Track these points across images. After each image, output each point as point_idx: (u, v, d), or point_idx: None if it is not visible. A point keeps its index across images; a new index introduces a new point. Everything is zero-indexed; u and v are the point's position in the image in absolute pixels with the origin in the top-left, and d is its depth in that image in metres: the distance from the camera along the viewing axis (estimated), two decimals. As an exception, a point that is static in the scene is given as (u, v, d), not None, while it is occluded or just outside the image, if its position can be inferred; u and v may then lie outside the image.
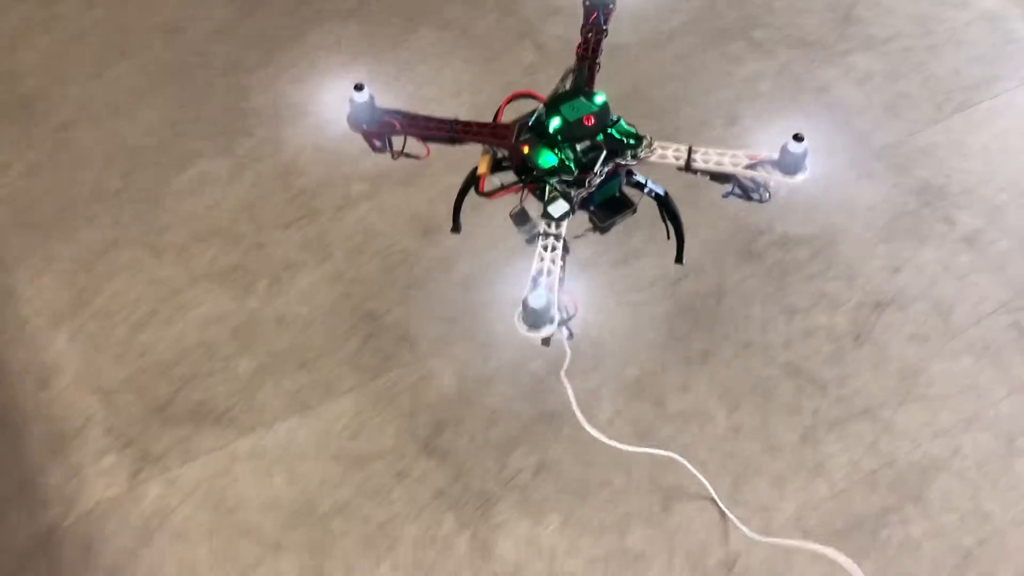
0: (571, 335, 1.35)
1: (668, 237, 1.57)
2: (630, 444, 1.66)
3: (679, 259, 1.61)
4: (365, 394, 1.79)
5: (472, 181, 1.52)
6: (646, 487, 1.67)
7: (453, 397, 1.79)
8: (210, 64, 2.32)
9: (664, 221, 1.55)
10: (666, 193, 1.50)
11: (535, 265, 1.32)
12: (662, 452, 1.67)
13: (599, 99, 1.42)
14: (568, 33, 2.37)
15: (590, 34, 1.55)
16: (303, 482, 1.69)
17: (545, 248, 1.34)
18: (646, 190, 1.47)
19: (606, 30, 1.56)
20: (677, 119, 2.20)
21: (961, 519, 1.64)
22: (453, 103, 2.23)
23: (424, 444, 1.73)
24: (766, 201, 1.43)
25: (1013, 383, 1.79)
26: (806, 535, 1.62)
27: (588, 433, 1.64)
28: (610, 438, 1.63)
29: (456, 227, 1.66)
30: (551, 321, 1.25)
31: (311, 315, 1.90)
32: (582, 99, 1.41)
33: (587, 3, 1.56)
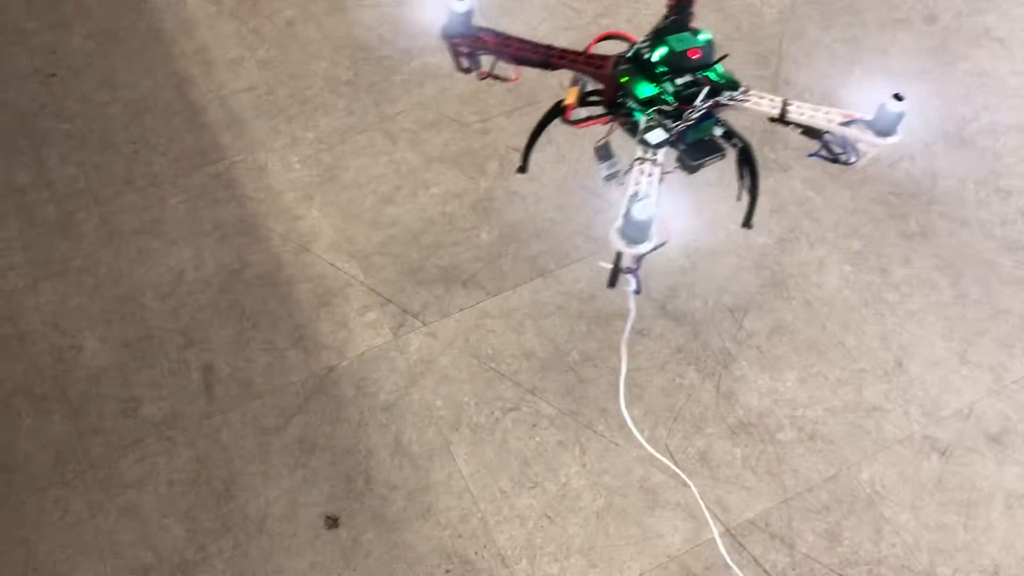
0: (638, 290, 1.38)
1: (739, 198, 1.50)
2: (861, 307, 1.77)
3: (748, 222, 1.54)
4: (597, 261, 1.92)
5: (552, 115, 1.50)
6: (878, 346, 1.78)
7: (685, 266, 1.90)
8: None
9: (741, 178, 1.49)
10: (749, 144, 1.45)
11: (631, 188, 1.31)
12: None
13: (704, 35, 1.41)
14: None
15: None
16: (551, 335, 1.83)
17: (642, 172, 1.33)
18: (733, 139, 1.43)
19: None
20: (868, 15, 2.27)
21: None
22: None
23: (661, 307, 1.85)
24: (852, 164, 1.40)
25: None
26: (1037, 391, 1.71)
27: (819, 300, 1.74)
28: (840, 303, 1.73)
29: (524, 167, 1.62)
30: (648, 239, 1.26)
31: (542, 192, 2.03)
32: (688, 34, 1.40)
33: None
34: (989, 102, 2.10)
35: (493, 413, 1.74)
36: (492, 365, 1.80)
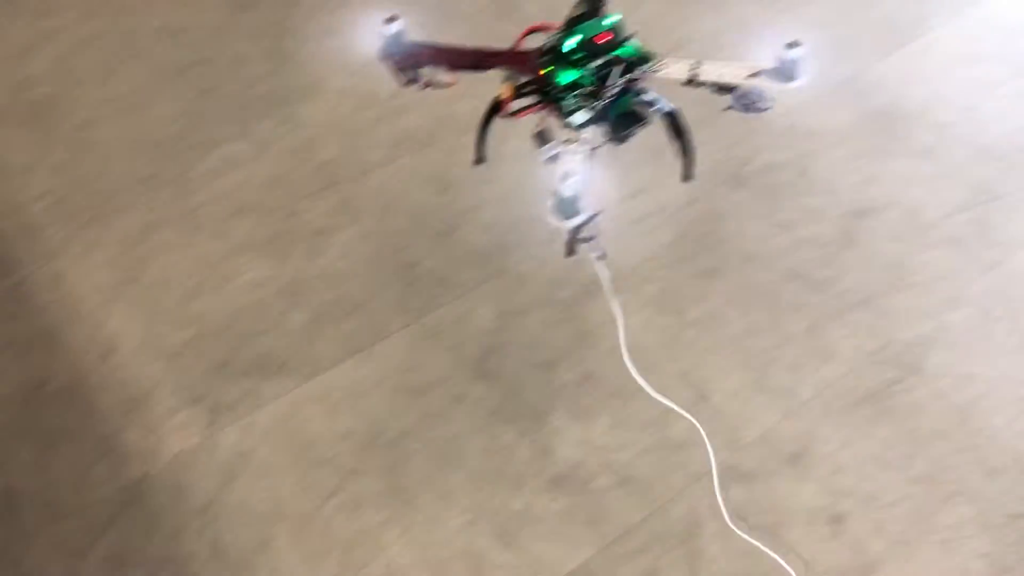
0: (604, 255, 1.53)
1: (677, 155, 1.65)
2: (658, 347, 1.86)
3: (688, 176, 1.69)
4: (413, 332, 1.95)
5: (495, 109, 1.60)
6: (680, 384, 1.86)
7: (495, 327, 1.95)
8: (217, 58, 2.45)
9: (673, 139, 1.62)
10: (675, 110, 1.59)
11: (564, 168, 1.44)
12: (684, 414, 1.86)
13: (612, 18, 1.53)
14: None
15: None
16: (369, 414, 1.83)
17: (573, 154, 1.46)
18: (656, 106, 1.57)
19: None
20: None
21: (955, 381, 1.87)
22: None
23: (475, 369, 1.89)
24: (767, 110, 1.55)
25: (982, 266, 2.04)
26: (826, 409, 1.83)
27: (622, 345, 1.83)
28: (639, 345, 1.82)
29: (480, 158, 1.72)
30: (579, 213, 1.39)
31: (352, 269, 2.04)
32: (598, 19, 1.52)
33: None
34: (762, 143, 2.26)
35: (314, 501, 1.73)
36: (311, 452, 1.79)
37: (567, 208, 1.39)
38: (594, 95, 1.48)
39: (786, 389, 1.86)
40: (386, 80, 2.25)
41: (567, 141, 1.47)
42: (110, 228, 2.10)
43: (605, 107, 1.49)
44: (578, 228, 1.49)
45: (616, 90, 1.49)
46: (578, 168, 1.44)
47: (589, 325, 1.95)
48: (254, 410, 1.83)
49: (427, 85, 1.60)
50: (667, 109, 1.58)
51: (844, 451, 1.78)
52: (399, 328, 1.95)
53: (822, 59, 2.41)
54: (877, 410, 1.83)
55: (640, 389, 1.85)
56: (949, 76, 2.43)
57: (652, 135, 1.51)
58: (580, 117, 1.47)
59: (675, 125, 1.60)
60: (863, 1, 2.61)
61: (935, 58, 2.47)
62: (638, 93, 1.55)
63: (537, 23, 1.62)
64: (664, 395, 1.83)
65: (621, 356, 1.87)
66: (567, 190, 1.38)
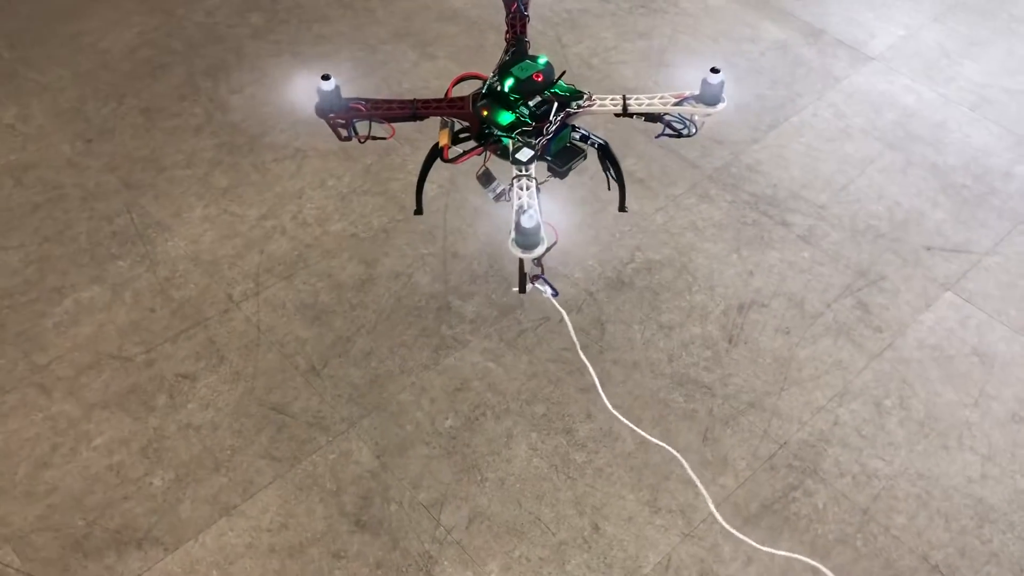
0: (555, 292, 1.63)
1: (608, 188, 1.76)
2: (552, 474, 1.77)
3: (622, 207, 1.78)
4: (286, 483, 1.81)
5: (434, 156, 1.68)
6: (573, 513, 1.77)
7: (374, 468, 1.83)
8: (65, 196, 2.31)
9: (606, 171, 1.75)
10: (607, 143, 1.71)
11: (515, 203, 1.50)
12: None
13: (542, 60, 1.64)
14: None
15: (515, 21, 1.79)
16: (242, 582, 1.69)
17: (521, 188, 1.52)
18: (589, 140, 1.69)
19: (527, 16, 1.80)
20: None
21: (854, 480, 1.82)
22: (320, 193, 2.31)
23: (355, 520, 1.76)
24: (693, 135, 1.66)
25: (869, 353, 2.01)
26: (726, 525, 1.75)
27: (512, 476, 1.73)
28: (532, 475, 1.73)
29: (419, 209, 1.78)
30: (540, 243, 1.45)
31: (217, 418, 1.91)
32: (528, 61, 1.63)
33: None
34: (640, 242, 2.21)
35: None
36: (177, 634, 1.63)
37: (529, 239, 1.44)
38: (536, 132, 1.56)
39: (683, 507, 1.78)
40: (250, 205, 2.20)
41: (516, 178, 1.52)
42: (-50, 396, 1.93)
43: (547, 143, 1.56)
44: (533, 264, 1.56)
45: (555, 126, 1.57)
46: (532, 201, 1.49)
47: (474, 458, 1.84)
48: (113, 593, 1.67)
49: (365, 139, 1.66)
50: (600, 141, 1.69)
51: (748, 570, 1.70)
52: (269, 481, 1.82)
53: (697, 146, 2.41)
54: (778, 519, 1.76)
55: (533, 522, 1.75)
56: (821, 155, 2.43)
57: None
58: (525, 154, 1.54)
59: (608, 156, 1.71)
60: (736, 82, 2.61)
61: (806, 138, 2.48)
62: (573, 128, 1.62)
63: (465, 72, 1.75)
64: (558, 526, 1.73)
65: (510, 488, 1.78)
66: (528, 221, 1.41)
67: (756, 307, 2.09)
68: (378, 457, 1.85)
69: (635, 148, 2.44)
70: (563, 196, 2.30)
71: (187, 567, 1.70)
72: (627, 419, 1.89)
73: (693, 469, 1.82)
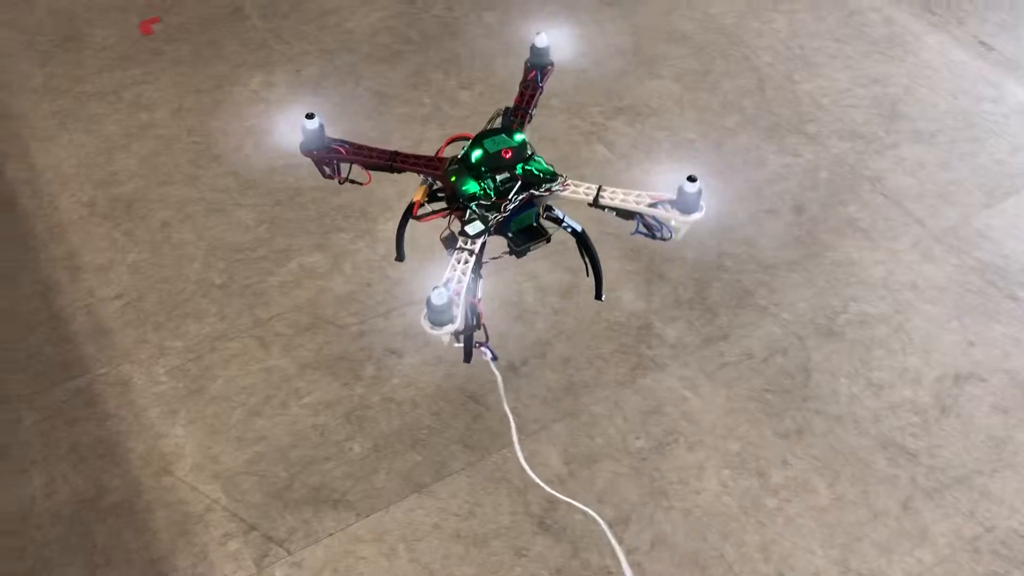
0: (495, 357, 1.59)
1: (588, 275, 1.70)
2: (741, 514, 1.74)
3: (598, 295, 1.72)
4: (477, 472, 1.86)
5: (410, 210, 1.66)
6: (759, 558, 1.73)
7: (562, 474, 1.85)
8: (298, 165, 2.45)
9: (582, 257, 1.68)
10: (583, 230, 1.63)
11: (447, 273, 1.46)
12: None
13: (518, 137, 1.59)
14: (635, 133, 2.53)
15: (527, 90, 1.75)
16: (426, 560, 1.74)
17: (459, 261, 1.49)
18: (563, 224, 1.62)
19: (542, 88, 1.76)
20: (739, 207, 2.34)
21: (1066, 582, 1.70)
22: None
23: (539, 521, 1.79)
24: (668, 239, 1.57)
25: (1096, 449, 1.88)
26: (919, 601, 1.68)
27: (699, 508, 1.72)
28: (720, 511, 1.70)
29: (400, 256, 1.77)
30: (452, 321, 1.39)
31: (417, 397, 1.98)
32: (504, 136, 1.58)
33: (528, 63, 1.77)
34: (857, 293, 2.15)
35: (361, 654, 1.63)
36: (361, 597, 1.70)
37: (437, 315, 1.38)
38: (495, 207, 1.52)
39: (874, 572, 1.71)
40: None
41: (459, 249, 1.49)
42: (181, 334, 2.08)
43: (506, 220, 1.52)
44: (462, 334, 1.50)
45: (513, 205, 1.52)
46: (458, 276, 1.45)
47: (663, 481, 1.84)
48: (308, 545, 1.76)
49: (344, 180, 1.65)
50: (575, 227, 1.62)
51: (938, 653, 1.62)
52: (461, 467, 1.87)
53: (926, 203, 2.32)
54: (975, 607, 1.68)
55: (717, 559, 1.73)
56: (1060, 231, 2.29)
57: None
58: (474, 228, 1.51)
59: (583, 243, 1.63)
60: (970, 146, 2.49)
61: (1044, 210, 2.34)
62: (548, 210, 1.58)
63: (460, 133, 1.71)
64: (742, 567, 1.70)
65: (696, 520, 1.76)
66: (437, 298, 1.36)
67: (974, 380, 1.99)
68: (567, 464, 1.87)
69: (859, 196, 2.36)
70: (772, 232, 2.26)
71: (376, 535, 1.77)
72: (824, 475, 1.84)
73: (889, 536, 1.75)
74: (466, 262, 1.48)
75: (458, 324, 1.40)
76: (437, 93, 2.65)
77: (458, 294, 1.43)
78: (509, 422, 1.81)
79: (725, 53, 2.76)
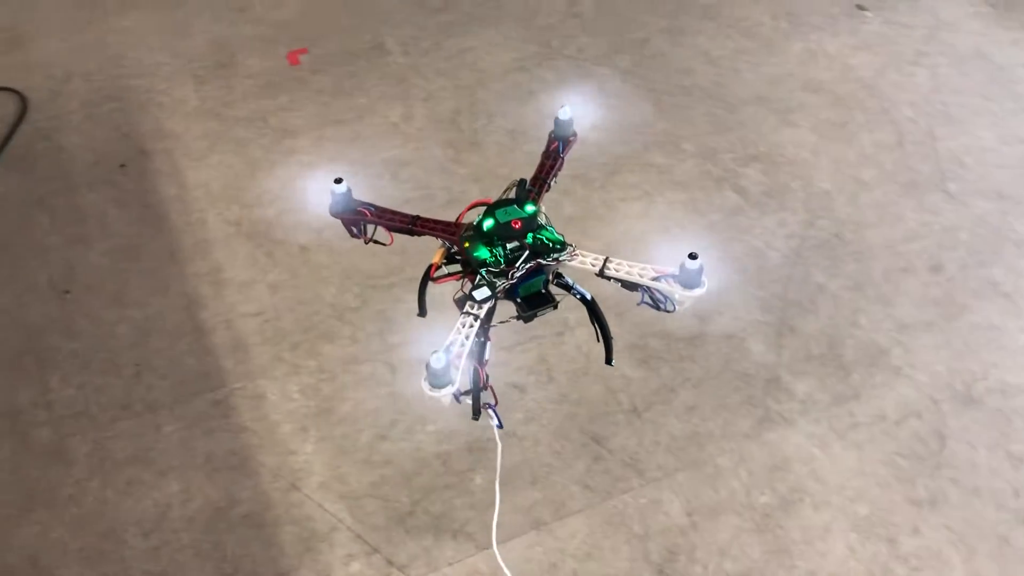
0: (500, 424, 1.62)
1: (598, 339, 1.70)
2: (871, 584, 1.68)
3: (608, 360, 1.74)
4: (596, 515, 1.86)
5: (429, 273, 1.73)
6: (887, 629, 1.67)
7: (683, 524, 1.83)
8: (432, 197, 2.52)
9: (592, 323, 1.69)
10: (592, 298, 1.68)
11: (451, 336, 1.52)
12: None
13: (529, 208, 1.66)
14: (768, 180, 2.51)
15: (548, 160, 1.81)
16: (542, 599, 1.74)
17: (463, 324, 1.54)
18: (572, 291, 1.67)
19: (563, 159, 1.82)
20: (874, 263, 2.28)
21: None
22: (663, 240, 2.36)
23: (659, 570, 1.77)
24: (672, 312, 1.60)
25: None
26: None
27: (824, 571, 1.67)
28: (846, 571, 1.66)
29: (422, 312, 1.81)
30: (451, 383, 1.45)
31: (539, 434, 1.99)
32: (515, 207, 1.66)
33: (552, 134, 1.83)
34: (998, 359, 2.07)
35: None
36: (478, 629, 1.71)
37: (435, 378, 1.45)
38: (503, 274, 1.58)
39: (1013, 659, 1.63)
40: (594, 238, 2.28)
41: (465, 313, 1.55)
42: (315, 354, 2.15)
43: (513, 286, 1.59)
44: (465, 395, 1.53)
45: (520, 272, 1.58)
46: (461, 339, 1.51)
47: (788, 540, 1.80)
48: (427, 574, 1.78)
49: (368, 241, 1.76)
50: (584, 296, 1.68)
51: None
52: (580, 508, 1.87)
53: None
54: None
55: (840, 627, 1.67)
56: None
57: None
58: (481, 293, 1.56)
59: (592, 310, 1.68)
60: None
61: None
62: (558, 277, 1.65)
63: (480, 199, 1.74)
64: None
65: (823, 586, 1.71)
66: (435, 362, 1.43)
67: None
68: (688, 515, 1.85)
69: (1003, 258, 2.28)
70: (908, 290, 2.20)
71: (494, 569, 1.79)
72: (958, 548, 1.77)
73: (1030, 620, 1.67)
74: (471, 326, 1.53)
75: (457, 386, 1.47)
76: (569, 133, 2.69)
77: (459, 357, 1.48)
78: (495, 496, 1.79)
79: (864, 105, 2.71)
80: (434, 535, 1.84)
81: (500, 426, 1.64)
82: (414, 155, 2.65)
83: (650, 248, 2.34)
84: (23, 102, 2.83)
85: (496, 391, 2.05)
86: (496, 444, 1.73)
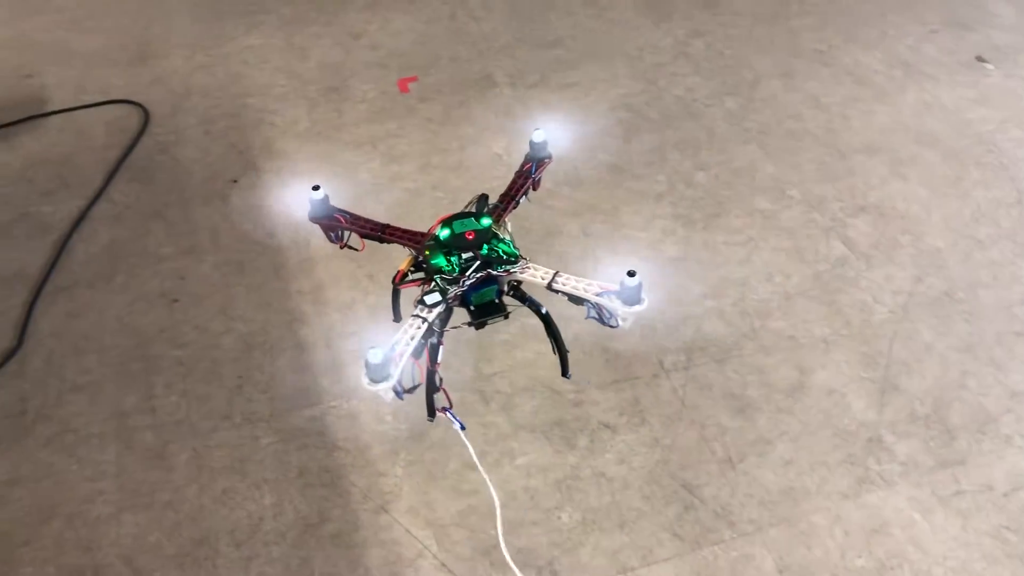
0: (463, 427, 1.78)
1: (554, 352, 1.83)
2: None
3: (564, 373, 1.87)
4: (684, 564, 1.82)
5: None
6: None
7: (775, 582, 1.79)
8: (530, 229, 2.53)
9: (549, 338, 1.82)
10: (546, 312, 1.77)
11: (398, 335, 1.64)
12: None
13: (485, 221, 1.79)
14: (876, 233, 2.45)
15: (519, 179, 1.93)
16: (625, 646, 1.72)
17: (411, 325, 1.66)
18: (527, 303, 1.77)
19: (535, 180, 1.94)
20: (986, 324, 2.20)
21: None
22: (766, 286, 2.32)
23: (746, 627, 1.73)
24: (616, 327, 1.72)
25: None
26: None
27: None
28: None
29: (396, 318, 1.93)
30: (387, 379, 1.57)
31: (629, 477, 1.97)
32: (472, 219, 1.80)
33: (528, 154, 1.96)
34: (1119, 435, 1.96)
35: None
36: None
37: (373, 372, 1.57)
38: (455, 281, 1.70)
39: None
40: (695, 280, 2.28)
41: (414, 315, 1.67)
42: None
43: (465, 294, 1.70)
44: (408, 392, 1.67)
45: (469, 281, 1.70)
46: (406, 340, 1.63)
47: (884, 608, 1.73)
48: (510, 608, 1.78)
49: (343, 246, 1.89)
50: (539, 310, 1.78)
51: None
52: (669, 556, 1.84)
53: None
54: None
55: None
56: None
57: None
58: (432, 298, 1.69)
59: (546, 324, 1.80)
60: None
61: None
62: (514, 288, 1.76)
63: (449, 214, 1.89)
64: None
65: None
66: (372, 357, 1.55)
67: None
68: (780, 572, 1.80)
69: None
70: (1022, 356, 2.11)
71: (577, 610, 1.77)
72: (1070, 631, 1.68)
73: None
74: (418, 328, 1.67)
75: (396, 382, 1.59)
76: (672, 172, 2.68)
77: (401, 355, 1.60)
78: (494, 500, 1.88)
79: (980, 161, 2.63)
80: (520, 570, 1.83)
81: (463, 428, 1.80)
82: (516, 186, 2.67)
83: (752, 293, 2.30)
84: (145, 115, 2.96)
85: (584, 426, 2.05)
86: (468, 447, 1.89)
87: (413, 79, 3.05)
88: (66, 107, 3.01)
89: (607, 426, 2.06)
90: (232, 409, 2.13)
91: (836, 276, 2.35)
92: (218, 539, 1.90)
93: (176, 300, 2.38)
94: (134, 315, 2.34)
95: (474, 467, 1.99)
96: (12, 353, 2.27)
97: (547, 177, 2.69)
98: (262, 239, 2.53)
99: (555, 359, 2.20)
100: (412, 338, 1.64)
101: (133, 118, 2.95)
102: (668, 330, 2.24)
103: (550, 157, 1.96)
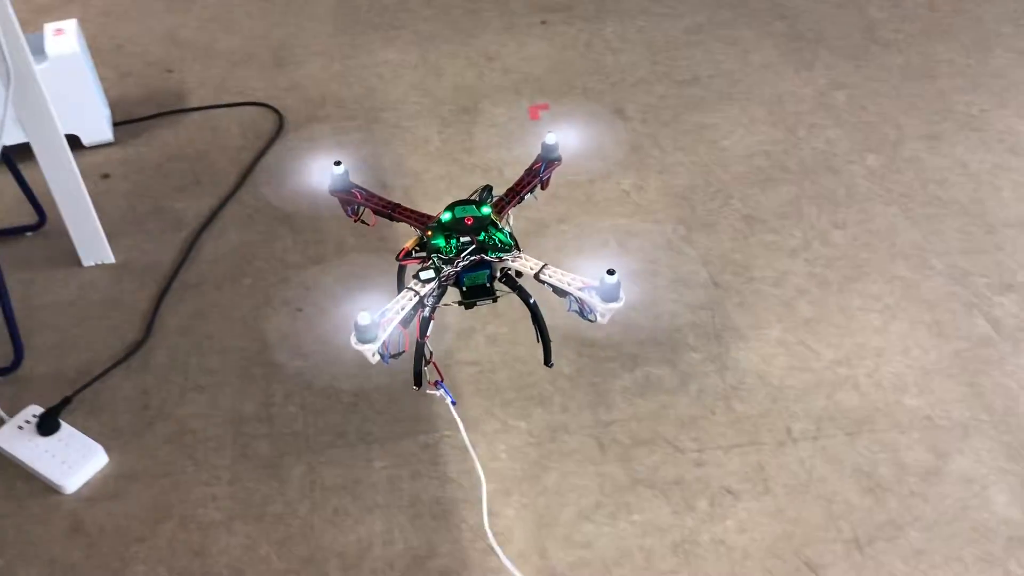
0: (454, 401, 1.83)
1: (537, 340, 1.86)
2: None
3: (547, 362, 1.88)
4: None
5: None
6: None
7: None
8: (657, 274, 2.47)
9: (534, 326, 1.84)
10: (534, 302, 1.82)
11: (390, 303, 1.70)
12: None
13: (484, 210, 1.86)
14: (1026, 313, 2.32)
15: (527, 176, 1.97)
16: None
17: (403, 296, 1.73)
18: (517, 291, 1.82)
19: (543, 179, 1.98)
20: None
21: None
22: (902, 359, 2.22)
23: None
24: (595, 322, 1.74)
25: None
26: None
27: None
28: None
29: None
30: (373, 340, 1.62)
31: (750, 548, 1.89)
32: (474, 207, 1.86)
33: (540, 153, 2.00)
34: None
35: None
36: None
37: (360, 332, 1.62)
38: (449, 262, 1.78)
39: None
40: (827, 345, 2.18)
41: (408, 288, 1.75)
42: (525, 416, 2.14)
43: (458, 275, 1.78)
44: (393, 357, 1.69)
45: (462, 264, 1.77)
46: (397, 308, 1.69)
47: None
48: (617, 672, 1.72)
49: (356, 220, 1.95)
50: (527, 300, 1.82)
51: None
52: (791, 638, 1.76)
53: None
54: None
55: None
56: None
57: None
58: (427, 274, 1.77)
59: (532, 314, 1.83)
60: None
61: None
62: (507, 275, 1.82)
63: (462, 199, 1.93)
64: None
65: None
66: (362, 319, 1.60)
67: None
68: (908, 671, 1.70)
69: None
70: None
71: None
72: None
73: None
74: (409, 300, 1.72)
75: (378, 345, 1.63)
76: (808, 228, 2.59)
77: (390, 322, 1.65)
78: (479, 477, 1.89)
79: None
80: (629, 633, 1.77)
81: (454, 403, 1.84)
82: (642, 227, 2.62)
83: (887, 365, 2.20)
84: (280, 119, 3.01)
85: (705, 488, 1.98)
86: (458, 423, 1.87)
87: (545, 107, 3.03)
88: (204, 105, 3.08)
89: (729, 491, 1.99)
90: (347, 427, 2.13)
91: (978, 356, 2.23)
92: (327, 560, 1.88)
93: (300, 309, 2.39)
94: (259, 320, 2.36)
95: (589, 518, 1.94)
96: (139, 345, 2.31)
97: (679, 220, 2.64)
98: (386, 255, 2.53)
99: (679, 413, 2.15)
100: (403, 308, 1.70)
101: (268, 121, 3.00)
102: (797, 396, 2.15)
103: (559, 159, 2.01)
